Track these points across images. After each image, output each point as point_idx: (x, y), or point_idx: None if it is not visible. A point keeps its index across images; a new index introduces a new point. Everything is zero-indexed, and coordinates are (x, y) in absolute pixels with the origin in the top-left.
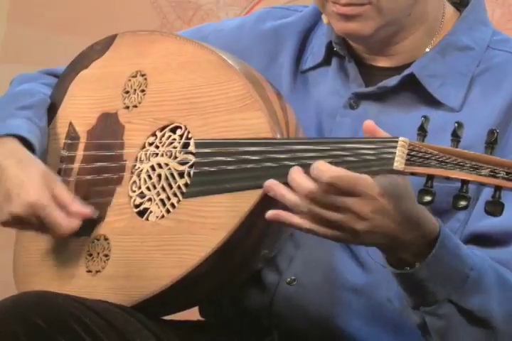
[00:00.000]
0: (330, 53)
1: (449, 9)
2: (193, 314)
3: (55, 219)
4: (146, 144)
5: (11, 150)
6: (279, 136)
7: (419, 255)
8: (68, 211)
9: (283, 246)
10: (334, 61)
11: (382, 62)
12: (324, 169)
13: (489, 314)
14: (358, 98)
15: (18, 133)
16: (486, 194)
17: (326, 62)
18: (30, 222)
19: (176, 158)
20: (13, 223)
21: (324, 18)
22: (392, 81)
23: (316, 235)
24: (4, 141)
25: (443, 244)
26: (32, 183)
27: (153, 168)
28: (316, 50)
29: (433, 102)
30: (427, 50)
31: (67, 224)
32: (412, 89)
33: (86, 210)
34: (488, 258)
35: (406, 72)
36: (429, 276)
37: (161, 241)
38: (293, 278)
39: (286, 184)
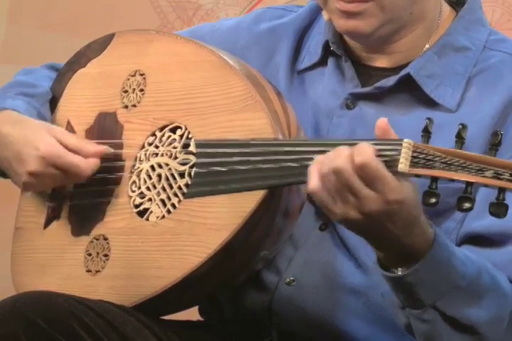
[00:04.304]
0: (326, 53)
1: (446, 8)
2: (193, 314)
3: (73, 163)
4: (146, 144)
5: (5, 117)
6: (280, 137)
7: (410, 259)
8: (84, 153)
9: (282, 247)
10: (331, 61)
11: (379, 62)
12: (366, 151)
13: (475, 321)
14: (355, 98)
15: (14, 109)
16: (482, 194)
17: (322, 62)
18: (49, 174)
19: (176, 158)
20: (33, 183)
21: (325, 15)
22: (389, 81)
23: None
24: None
25: (435, 254)
26: (37, 137)
27: (153, 167)
28: (312, 50)
29: (430, 103)
30: (425, 49)
31: (87, 163)
32: (409, 90)
33: (100, 147)
34: (485, 262)
35: (403, 72)
36: (417, 282)
37: (161, 241)
38: (292, 278)
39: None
